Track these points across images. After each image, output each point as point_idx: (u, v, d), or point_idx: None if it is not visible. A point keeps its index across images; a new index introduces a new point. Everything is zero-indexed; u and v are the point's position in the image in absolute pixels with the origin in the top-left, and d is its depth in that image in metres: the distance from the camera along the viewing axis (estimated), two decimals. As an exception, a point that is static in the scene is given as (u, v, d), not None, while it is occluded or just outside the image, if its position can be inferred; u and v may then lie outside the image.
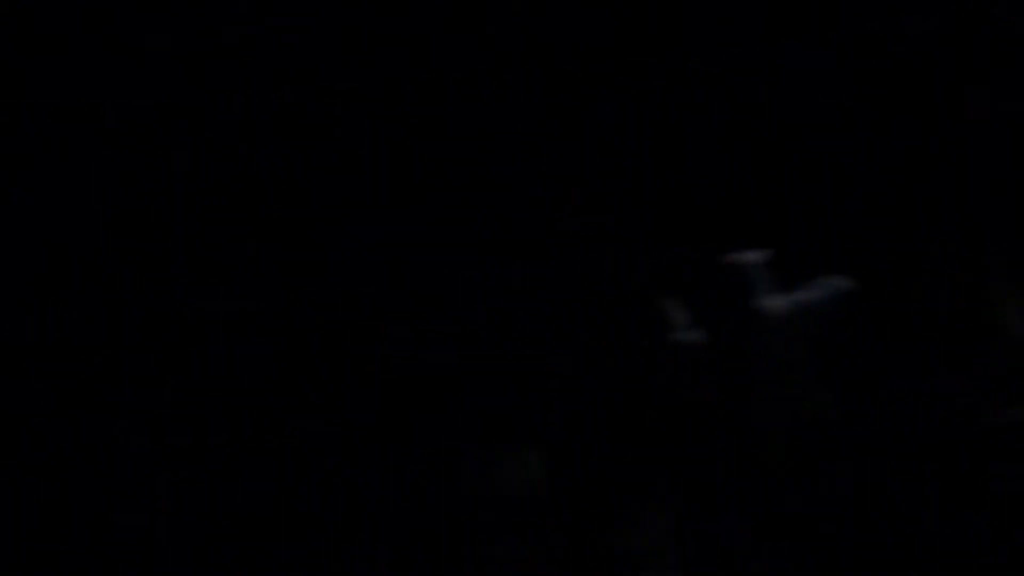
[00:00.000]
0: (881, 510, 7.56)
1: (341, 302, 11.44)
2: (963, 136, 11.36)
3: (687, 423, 7.65)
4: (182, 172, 11.41)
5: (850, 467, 7.45)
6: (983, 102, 11.38)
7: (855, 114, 11.55)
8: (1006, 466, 8.13)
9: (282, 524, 10.59)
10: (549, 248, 11.55)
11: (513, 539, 9.94)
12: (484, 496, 10.48)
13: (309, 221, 11.52)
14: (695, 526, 7.65)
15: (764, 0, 11.67)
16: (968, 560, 8.16)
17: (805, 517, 7.35)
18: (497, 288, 11.48)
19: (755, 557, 7.39)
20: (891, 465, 7.41)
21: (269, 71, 11.48)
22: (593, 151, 11.74)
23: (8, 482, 9.95)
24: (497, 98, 11.69)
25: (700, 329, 7.66)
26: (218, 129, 11.42)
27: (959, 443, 7.82)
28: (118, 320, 11.18)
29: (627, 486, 10.30)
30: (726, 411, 7.54)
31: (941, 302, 8.17)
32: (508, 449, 10.76)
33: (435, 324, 11.37)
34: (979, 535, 8.17)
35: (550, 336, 11.24)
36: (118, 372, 10.97)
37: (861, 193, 11.54)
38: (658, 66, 11.72)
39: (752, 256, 7.48)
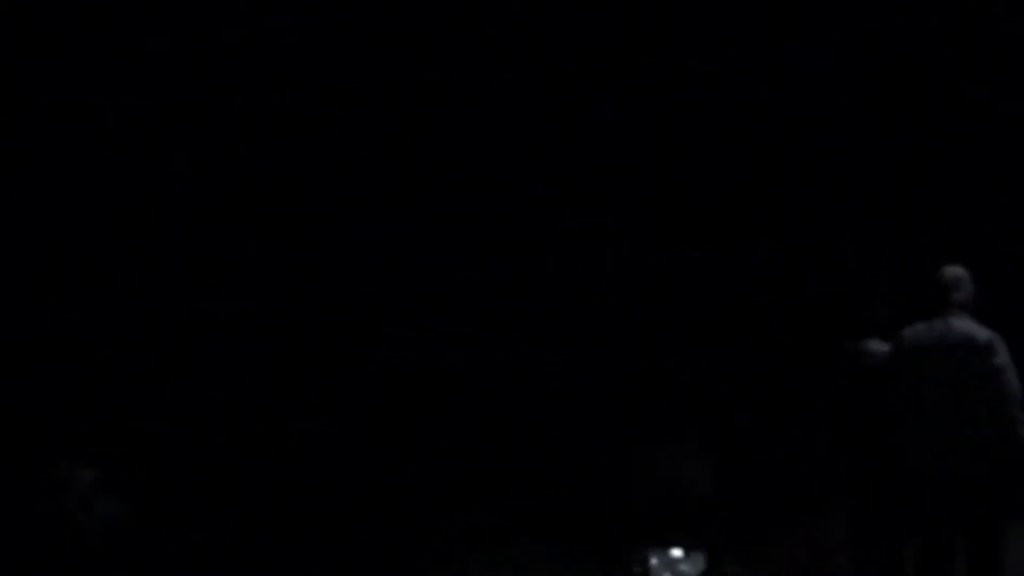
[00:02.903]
0: None
1: (341, 302, 11.44)
2: (963, 136, 11.36)
3: (855, 430, 7.46)
4: (182, 172, 11.40)
5: None
6: (983, 102, 11.38)
7: (855, 114, 11.55)
8: None
9: (272, 522, 10.60)
10: (550, 248, 11.56)
11: (681, 535, 10.11)
12: (655, 493, 10.59)
13: (309, 221, 11.51)
14: (866, 532, 7.54)
15: (764, 0, 11.68)
16: None
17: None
18: (499, 288, 11.48)
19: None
20: None
21: (269, 71, 11.48)
22: (593, 151, 11.74)
23: (9, 481, 9.94)
24: (497, 98, 11.69)
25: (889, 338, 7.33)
26: (218, 129, 11.42)
27: None
28: (118, 320, 11.18)
29: (797, 489, 10.44)
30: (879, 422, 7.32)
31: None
32: (680, 449, 10.89)
33: (435, 324, 11.38)
34: None
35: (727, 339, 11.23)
36: (118, 372, 10.97)
37: (861, 193, 11.55)
38: (658, 66, 11.72)
39: (958, 272, 6.89)
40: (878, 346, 7.40)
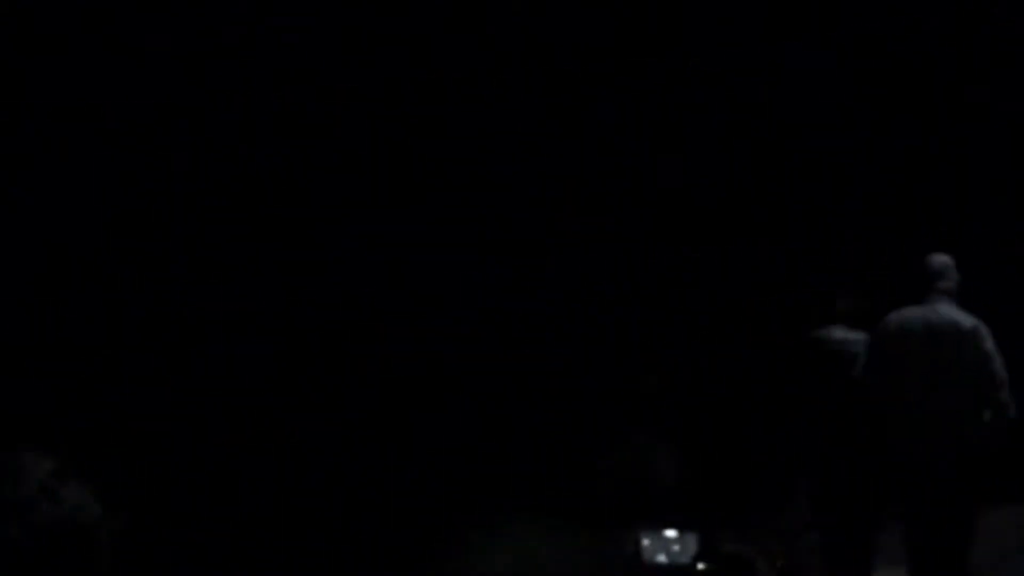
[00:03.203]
0: None
1: (341, 302, 11.44)
2: (963, 136, 11.37)
3: (821, 418, 7.52)
4: (182, 172, 11.41)
5: None
6: (983, 102, 11.39)
7: (855, 114, 11.56)
8: None
9: (274, 522, 10.60)
10: (549, 248, 11.57)
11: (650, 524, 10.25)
12: (622, 484, 10.73)
13: (309, 221, 11.52)
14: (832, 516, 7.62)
15: (764, 0, 11.69)
16: None
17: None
18: (498, 288, 11.49)
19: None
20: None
21: (269, 71, 11.49)
22: (593, 151, 11.75)
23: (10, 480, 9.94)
24: (497, 98, 11.70)
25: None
26: (218, 129, 11.42)
27: None
28: (118, 320, 11.18)
29: (760, 475, 10.55)
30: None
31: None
32: (645, 441, 10.99)
33: (435, 324, 11.38)
34: None
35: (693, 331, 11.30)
36: (118, 372, 10.97)
37: (861, 193, 11.55)
38: (658, 66, 11.73)
39: (944, 260, 6.99)
40: (842, 333, 7.40)
